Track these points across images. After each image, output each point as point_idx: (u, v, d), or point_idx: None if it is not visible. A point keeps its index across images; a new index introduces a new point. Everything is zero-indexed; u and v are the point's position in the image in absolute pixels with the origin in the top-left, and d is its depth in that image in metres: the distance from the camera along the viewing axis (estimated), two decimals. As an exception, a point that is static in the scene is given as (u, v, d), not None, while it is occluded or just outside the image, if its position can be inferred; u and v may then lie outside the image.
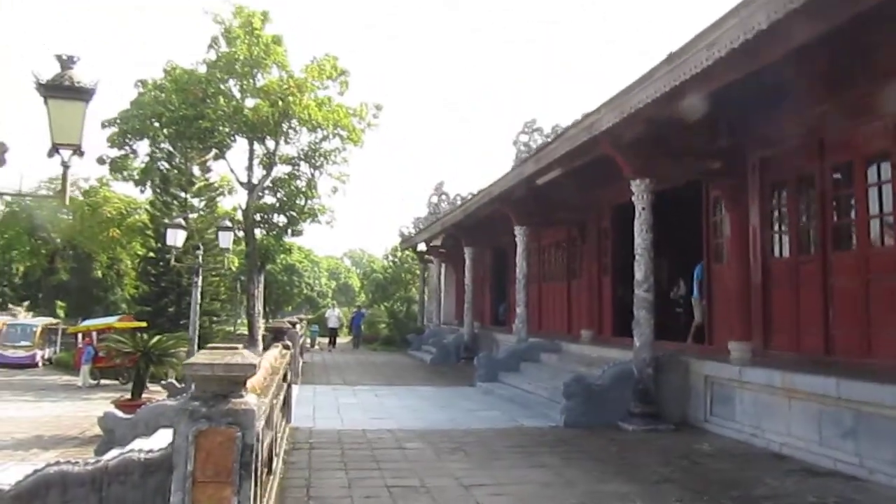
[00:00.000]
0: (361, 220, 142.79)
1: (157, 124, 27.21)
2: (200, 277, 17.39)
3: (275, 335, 9.37)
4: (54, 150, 6.29)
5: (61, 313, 45.69)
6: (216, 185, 36.49)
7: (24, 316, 40.73)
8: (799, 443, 7.72)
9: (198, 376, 3.41)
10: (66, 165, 6.34)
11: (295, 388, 13.64)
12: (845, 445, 7.08)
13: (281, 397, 7.75)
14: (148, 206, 36.89)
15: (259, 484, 3.48)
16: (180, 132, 27.67)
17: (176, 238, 17.43)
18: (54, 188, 43.29)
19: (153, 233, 35.49)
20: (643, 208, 9.96)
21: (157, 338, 18.02)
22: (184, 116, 26.97)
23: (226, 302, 39.92)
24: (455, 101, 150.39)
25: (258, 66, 27.01)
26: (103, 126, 27.79)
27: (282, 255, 39.33)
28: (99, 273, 45.63)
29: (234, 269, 38.25)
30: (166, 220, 26.80)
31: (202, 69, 27.29)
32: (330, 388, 14.38)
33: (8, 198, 43.70)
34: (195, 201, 36.86)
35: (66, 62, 6.32)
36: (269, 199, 29.99)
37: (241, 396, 3.41)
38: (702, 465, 7.43)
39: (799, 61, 7.72)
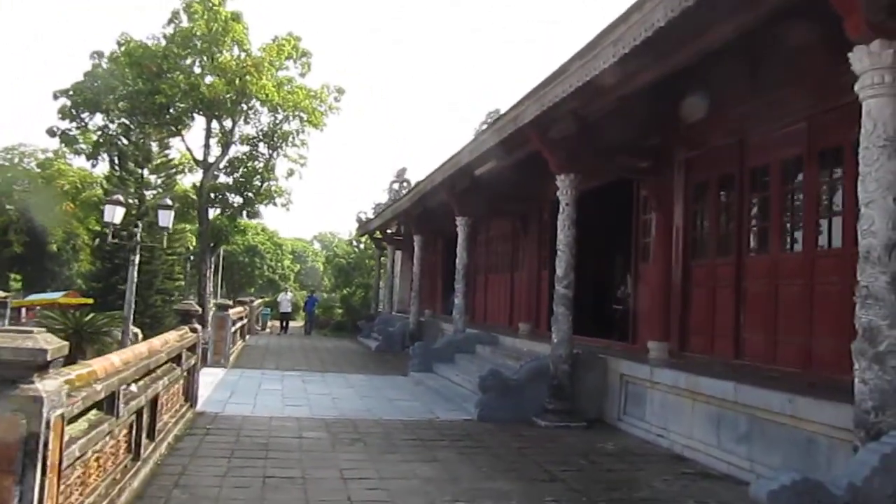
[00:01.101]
0: (333, 203, 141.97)
1: (111, 98, 26.65)
2: (137, 255, 17.00)
3: (182, 317, 9.13)
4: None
5: (17, 286, 44.76)
6: (174, 162, 35.80)
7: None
8: (699, 445, 7.71)
9: (-16, 360, 3.21)
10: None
11: (220, 372, 13.55)
12: (739, 449, 7.07)
13: (175, 381, 7.57)
14: (104, 182, 36.13)
15: (50, 474, 3.29)
16: (135, 107, 27.16)
17: (114, 215, 17.03)
18: (10, 159, 42.43)
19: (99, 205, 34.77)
20: (567, 204, 9.85)
21: (90, 315, 17.62)
22: (139, 91, 26.48)
23: (181, 281, 39.27)
24: (452, 94, 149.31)
25: (216, 44, 26.52)
26: (55, 97, 27.22)
27: (239, 237, 38.83)
28: (54, 247, 44.74)
29: (191, 248, 37.71)
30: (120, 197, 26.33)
31: (160, 43, 26.72)
32: (259, 372, 14.18)
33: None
34: (153, 178, 36.16)
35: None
36: (224, 179, 29.60)
37: (32, 383, 3.22)
38: (598, 464, 7.38)
39: (716, 62, 7.66)
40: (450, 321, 19.90)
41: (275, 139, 29.20)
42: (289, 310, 29.37)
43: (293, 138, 28.72)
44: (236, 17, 26.77)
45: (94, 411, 4.46)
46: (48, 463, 3.25)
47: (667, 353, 9.87)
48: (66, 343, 3.47)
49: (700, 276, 9.77)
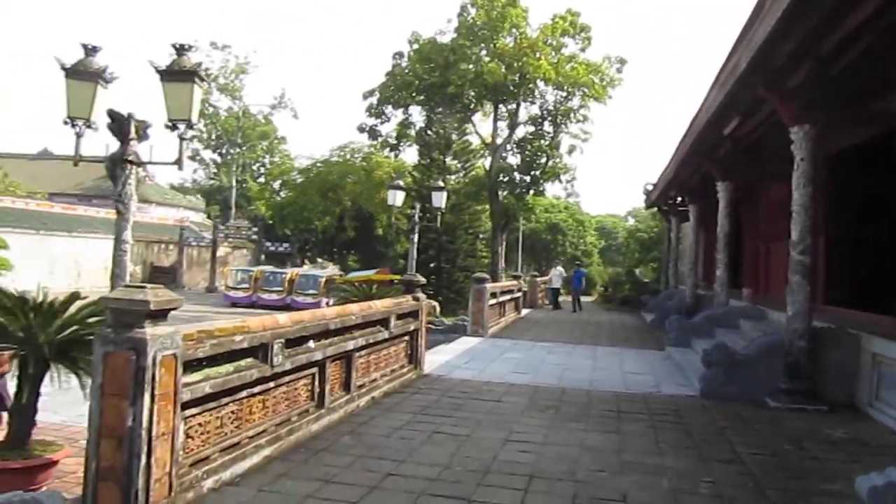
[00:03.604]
0: (643, 174, 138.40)
1: (407, 93, 29.30)
2: (416, 234, 18.66)
3: (406, 287, 9.97)
4: (171, 124, 7.43)
5: (354, 265, 51.50)
6: (472, 147, 38.13)
7: (331, 268, 46.65)
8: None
9: (110, 308, 4.05)
10: (181, 137, 7.46)
11: (474, 341, 14.37)
12: None
13: (383, 342, 8.33)
14: (411, 170, 39.84)
15: (161, 402, 4.04)
16: (430, 98, 29.51)
17: (395, 198, 18.88)
18: (342, 156, 48.75)
19: (416, 193, 38.34)
20: (802, 159, 8.74)
21: (375, 287, 19.77)
22: (432, 84, 28.69)
23: (483, 258, 41.77)
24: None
25: (495, 31, 27.64)
26: (364, 97, 30.68)
27: (541, 215, 40.01)
28: (380, 231, 50.46)
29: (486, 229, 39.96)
30: (426, 183, 29.01)
31: (442, 38, 28.66)
32: (512, 342, 14.73)
33: (306, 164, 50.05)
34: (454, 163, 38.97)
35: (180, 50, 7.40)
36: (512, 160, 30.80)
37: (143, 328, 3.98)
38: (805, 451, 6.55)
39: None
40: (733, 296, 18.62)
41: (558, 117, 29.59)
42: (558, 285, 29.35)
43: (574, 114, 28.80)
44: (512, 2, 27.61)
45: (249, 359, 5.24)
46: (156, 392, 3.98)
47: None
48: (175, 298, 4.19)
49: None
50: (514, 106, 28.76)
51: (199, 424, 4.64)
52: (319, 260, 54.59)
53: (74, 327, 7.07)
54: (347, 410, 7.07)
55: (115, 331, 4.00)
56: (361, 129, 30.56)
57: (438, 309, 29.48)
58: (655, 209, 36.86)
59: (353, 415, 7.09)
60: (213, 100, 54.58)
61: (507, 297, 19.18)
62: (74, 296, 7.30)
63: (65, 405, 7.40)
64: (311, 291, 38.77)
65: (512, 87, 27.33)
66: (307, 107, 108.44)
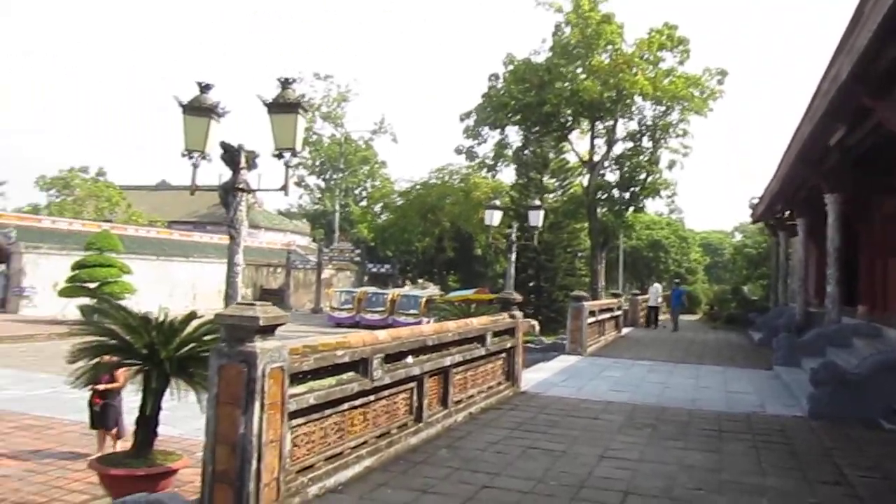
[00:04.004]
0: (750, 190, 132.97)
1: (503, 114, 29.58)
2: (514, 253, 18.80)
3: (503, 305, 10.11)
4: (278, 153, 7.93)
5: (454, 285, 52.13)
6: (569, 166, 37.98)
7: (431, 288, 47.50)
8: None
9: (224, 324, 4.42)
10: (287, 165, 7.94)
11: (573, 359, 14.34)
12: None
13: (479, 359, 8.50)
14: (509, 190, 40.02)
15: (270, 410, 4.35)
16: (525, 118, 29.68)
17: (492, 218, 19.09)
18: (441, 177, 49.57)
19: (514, 212, 38.48)
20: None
21: (474, 307, 19.97)
22: (527, 104, 28.87)
23: (583, 277, 41.36)
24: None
25: (590, 48, 27.57)
26: (461, 119, 31.20)
27: (631, 231, 39.32)
28: (479, 251, 50.87)
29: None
30: (523, 202, 29.16)
31: (537, 58, 28.81)
32: (611, 361, 14.57)
33: (406, 187, 51.10)
34: (552, 182, 38.90)
35: (285, 84, 7.91)
36: (610, 177, 30.50)
37: (253, 342, 4.32)
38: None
39: None
40: (847, 313, 17.73)
41: (656, 132, 29.13)
42: (656, 303, 28.48)
43: (673, 129, 28.28)
44: (607, 19, 27.48)
45: (350, 373, 5.53)
46: (265, 402, 4.30)
47: None
48: (281, 314, 4.52)
49: None
50: (612, 122, 28.55)
51: (305, 434, 4.94)
52: (420, 280, 55.60)
53: (192, 344, 7.64)
54: (445, 425, 7.27)
55: (228, 345, 4.36)
56: (459, 151, 31.10)
57: (538, 328, 29.40)
58: (762, 224, 35.59)
59: (450, 429, 7.28)
60: (317, 128, 56.71)
61: (607, 315, 18.97)
62: (191, 315, 7.89)
63: (184, 419, 7.96)
64: (412, 311, 39.47)
65: (608, 104, 27.14)
66: (406, 131, 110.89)
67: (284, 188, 8.09)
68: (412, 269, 55.67)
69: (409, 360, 6.58)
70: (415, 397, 6.72)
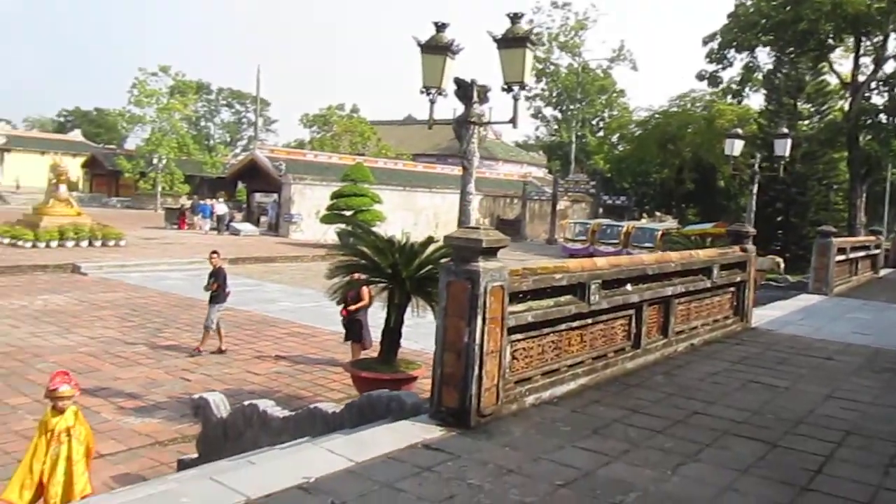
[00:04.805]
0: None
1: (752, 33, 27.34)
2: (756, 185, 17.72)
3: (734, 238, 9.81)
4: (507, 86, 8.34)
5: (693, 218, 50.07)
6: (828, 89, 34.26)
7: (669, 221, 46.16)
8: None
9: (452, 245, 4.96)
10: (515, 98, 8.34)
11: (815, 298, 13.54)
12: None
13: (705, 292, 8.44)
14: (757, 116, 37.15)
15: (491, 324, 4.86)
16: (778, 38, 27.22)
17: (733, 148, 18.08)
18: (682, 105, 47.23)
19: (761, 141, 35.76)
20: None
21: (710, 241, 19.17)
22: (780, 22, 26.44)
23: (839, 213, 37.58)
24: None
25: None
26: (704, 43, 29.35)
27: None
28: (721, 183, 48.08)
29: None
30: (772, 130, 27.12)
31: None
32: (860, 302, 13.48)
33: (644, 116, 49.50)
34: (806, 108, 35.44)
35: (514, 19, 8.23)
36: (877, 100, 27.12)
37: (476, 261, 4.82)
38: None
39: None
40: None
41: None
42: None
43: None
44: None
45: (567, 296, 5.90)
46: (487, 316, 4.81)
47: None
48: (502, 238, 4.97)
49: None
50: (881, 38, 25.10)
51: (523, 349, 5.42)
52: (658, 213, 54.20)
53: (430, 266, 8.48)
54: (664, 354, 7.41)
55: (455, 263, 4.90)
56: (701, 77, 29.27)
57: (782, 265, 27.57)
58: None
59: (670, 358, 7.40)
60: (554, 58, 56.35)
61: (861, 253, 17.33)
62: (430, 239, 8.73)
63: (425, 336, 8.91)
64: (647, 244, 38.68)
65: (878, 16, 23.86)
66: (646, 57, 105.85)
67: (513, 121, 8.51)
68: (649, 201, 54.18)
69: (628, 287, 6.78)
70: (633, 324, 6.92)
